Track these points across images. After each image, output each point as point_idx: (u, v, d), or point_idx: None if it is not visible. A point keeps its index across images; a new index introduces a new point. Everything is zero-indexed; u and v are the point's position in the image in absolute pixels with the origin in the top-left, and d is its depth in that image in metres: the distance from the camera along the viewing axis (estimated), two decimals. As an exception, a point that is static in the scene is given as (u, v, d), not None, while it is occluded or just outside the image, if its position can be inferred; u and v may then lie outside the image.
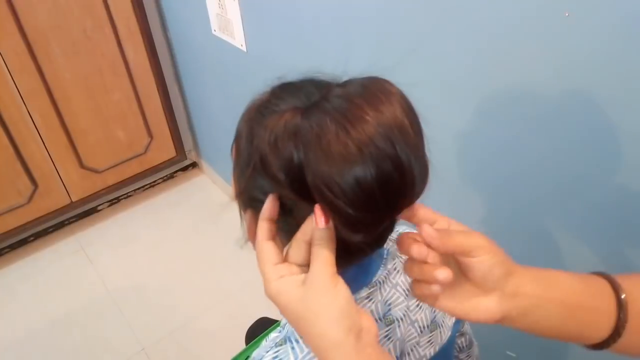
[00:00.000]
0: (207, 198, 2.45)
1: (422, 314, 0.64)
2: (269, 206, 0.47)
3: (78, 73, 1.95)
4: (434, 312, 0.65)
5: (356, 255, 0.52)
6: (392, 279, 0.62)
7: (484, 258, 0.46)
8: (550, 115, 0.85)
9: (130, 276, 2.08)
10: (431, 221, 0.49)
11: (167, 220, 2.34)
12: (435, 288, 0.47)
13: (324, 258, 0.44)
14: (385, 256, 0.63)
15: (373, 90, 0.43)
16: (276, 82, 0.50)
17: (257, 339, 1.04)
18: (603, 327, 0.48)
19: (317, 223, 0.43)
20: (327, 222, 0.43)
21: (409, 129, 0.43)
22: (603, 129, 0.79)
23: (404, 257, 0.65)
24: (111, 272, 2.10)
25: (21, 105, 1.86)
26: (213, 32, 1.72)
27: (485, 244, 0.46)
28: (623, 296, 0.47)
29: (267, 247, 0.47)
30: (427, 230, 0.45)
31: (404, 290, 0.63)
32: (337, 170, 0.40)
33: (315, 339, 0.43)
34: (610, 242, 0.88)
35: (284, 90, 0.49)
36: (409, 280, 0.63)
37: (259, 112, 0.48)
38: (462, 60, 0.94)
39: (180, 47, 2.12)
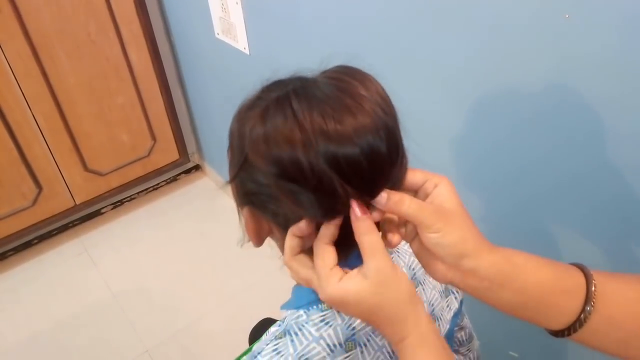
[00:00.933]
0: (210, 200, 2.46)
1: None
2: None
3: (82, 76, 1.96)
4: (432, 305, 0.66)
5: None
6: None
7: (431, 236, 0.47)
8: (550, 115, 0.86)
9: (133, 278, 2.09)
10: (418, 185, 0.51)
11: (171, 222, 2.35)
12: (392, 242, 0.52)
13: (379, 247, 0.47)
14: None
15: (353, 70, 0.49)
16: (266, 81, 0.52)
17: (260, 338, 1.05)
18: (560, 322, 0.49)
19: (356, 214, 0.46)
20: (364, 212, 0.46)
21: (391, 103, 0.48)
22: (602, 129, 0.79)
23: (401, 251, 0.66)
24: (115, 274, 2.11)
25: (26, 108, 1.87)
26: (216, 35, 1.73)
27: (434, 224, 0.47)
28: (592, 289, 0.48)
29: (328, 250, 0.49)
30: (380, 195, 0.47)
31: None
32: (347, 143, 0.44)
33: (397, 323, 0.47)
34: (610, 239, 0.89)
35: (271, 87, 0.51)
36: (409, 274, 0.63)
37: (249, 108, 0.50)
38: (462, 61, 0.95)
39: (183, 51, 2.13)
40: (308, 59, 1.46)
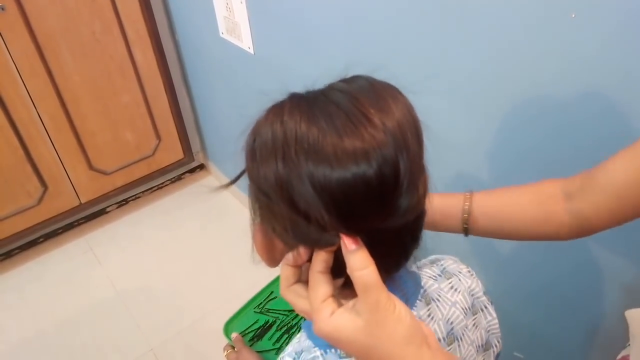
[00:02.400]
0: (215, 199, 2.46)
1: None
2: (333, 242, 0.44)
3: (87, 75, 1.97)
4: None
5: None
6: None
7: None
8: (560, 116, 0.85)
9: (138, 277, 2.10)
10: None
11: (175, 221, 2.35)
12: None
13: (373, 281, 0.41)
14: (419, 298, 0.57)
15: (380, 91, 0.43)
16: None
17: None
18: (459, 227, 0.69)
19: (347, 248, 0.42)
20: (357, 242, 0.42)
21: (411, 138, 0.42)
22: (613, 128, 0.79)
23: (442, 299, 0.60)
24: (120, 273, 2.12)
25: (31, 107, 1.88)
26: (221, 34, 1.73)
27: None
28: (467, 206, 0.67)
29: (321, 280, 0.44)
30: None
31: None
32: (325, 164, 0.39)
33: None
34: (614, 240, 0.88)
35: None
36: (445, 329, 0.58)
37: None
38: (470, 63, 0.95)
39: (188, 50, 2.13)
40: (312, 59, 1.47)
